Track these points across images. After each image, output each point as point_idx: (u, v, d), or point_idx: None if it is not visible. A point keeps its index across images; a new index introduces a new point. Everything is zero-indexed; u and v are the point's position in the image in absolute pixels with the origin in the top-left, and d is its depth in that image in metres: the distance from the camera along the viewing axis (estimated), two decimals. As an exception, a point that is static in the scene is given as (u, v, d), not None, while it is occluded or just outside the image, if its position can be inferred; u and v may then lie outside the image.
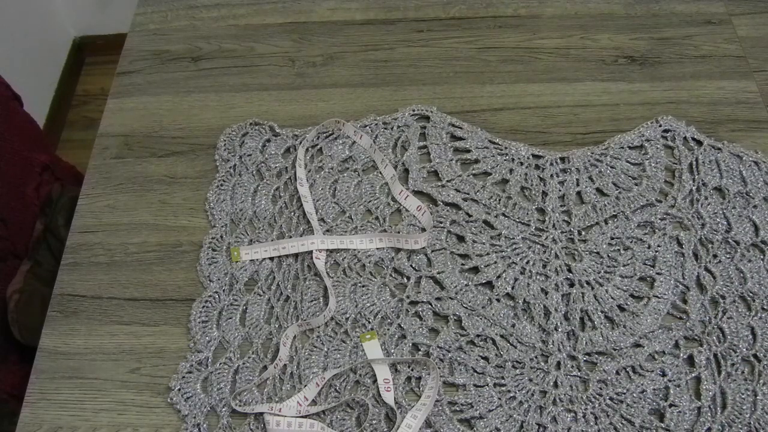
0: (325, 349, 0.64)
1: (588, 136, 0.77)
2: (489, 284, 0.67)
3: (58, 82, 1.71)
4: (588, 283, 0.67)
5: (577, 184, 0.73)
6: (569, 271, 0.68)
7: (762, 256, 0.68)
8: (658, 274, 0.67)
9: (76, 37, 1.81)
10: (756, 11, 0.88)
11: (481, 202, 0.72)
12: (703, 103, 0.80)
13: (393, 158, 0.76)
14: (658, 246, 0.69)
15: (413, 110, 0.79)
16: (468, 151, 0.76)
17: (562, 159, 0.75)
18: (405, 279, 0.68)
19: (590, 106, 0.80)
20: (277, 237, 0.71)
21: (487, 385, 0.62)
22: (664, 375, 0.62)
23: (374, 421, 0.60)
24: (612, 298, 0.66)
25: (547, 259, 0.68)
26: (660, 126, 0.77)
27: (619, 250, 0.69)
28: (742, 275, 0.67)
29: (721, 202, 0.71)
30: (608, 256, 0.68)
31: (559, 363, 0.63)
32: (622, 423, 0.60)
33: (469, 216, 0.71)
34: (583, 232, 0.70)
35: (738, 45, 0.85)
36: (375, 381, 0.62)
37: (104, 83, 1.74)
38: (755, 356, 0.62)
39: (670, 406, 0.60)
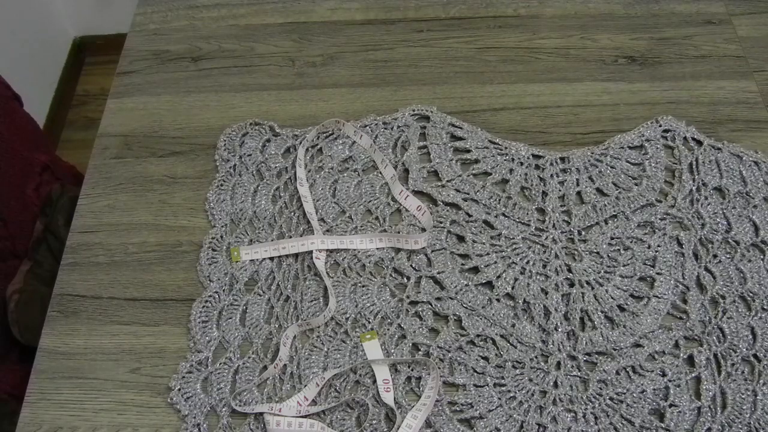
0: (325, 349, 0.64)
1: (588, 136, 0.77)
2: (489, 284, 0.67)
3: (58, 82, 1.71)
4: (588, 283, 0.67)
5: (577, 184, 0.73)
6: (569, 271, 0.68)
7: (762, 256, 0.68)
8: (658, 274, 0.67)
9: (76, 37, 1.81)
10: (756, 11, 0.88)
11: (481, 202, 0.72)
12: (703, 103, 0.80)
13: (393, 158, 0.76)
14: (658, 246, 0.69)
15: (413, 110, 0.79)
16: (468, 151, 0.76)
17: (562, 159, 0.75)
18: (405, 279, 0.68)
19: (590, 106, 0.80)
20: (277, 237, 0.71)
21: (487, 385, 0.62)
22: (664, 375, 0.62)
23: (374, 421, 0.60)
24: (612, 298, 0.66)
25: (547, 259, 0.68)
26: (660, 126, 0.77)
27: (619, 250, 0.69)
28: (742, 275, 0.67)
29: (721, 202, 0.71)
30: (608, 256, 0.68)
31: (559, 363, 0.63)
32: (622, 423, 0.60)
33: (469, 216, 0.71)
34: (583, 232, 0.70)
35: (738, 45, 0.85)
36: (375, 381, 0.62)
37: (104, 83, 1.74)
38: (755, 356, 0.62)
39: (670, 406, 0.60)
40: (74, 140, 1.69)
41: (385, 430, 0.60)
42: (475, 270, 0.68)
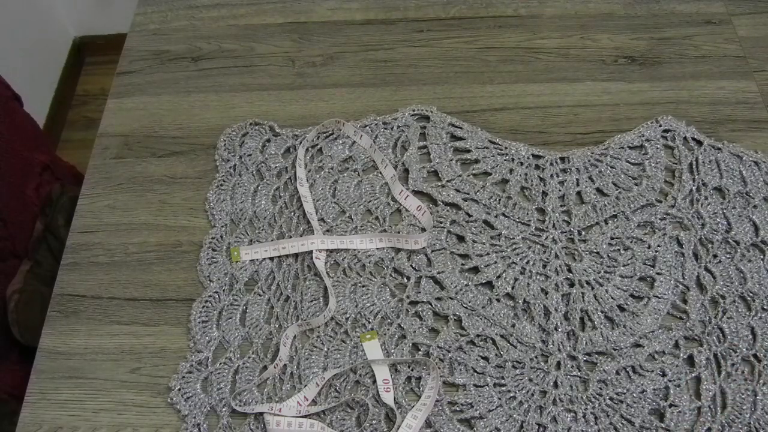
0: (325, 349, 0.64)
1: (588, 136, 0.78)
2: (489, 284, 0.67)
3: (58, 82, 1.71)
4: (588, 283, 0.67)
5: (577, 184, 0.73)
6: (569, 271, 0.68)
7: (762, 256, 0.68)
8: (658, 274, 0.67)
9: (76, 37, 1.81)
10: (756, 11, 0.88)
11: (481, 202, 0.72)
12: (703, 103, 0.80)
13: (393, 158, 0.76)
14: (658, 246, 0.69)
15: (413, 110, 0.79)
16: (468, 151, 0.76)
17: (562, 159, 0.75)
18: (405, 279, 0.68)
19: (590, 106, 0.80)
20: (277, 237, 0.71)
21: (487, 385, 0.62)
22: (664, 375, 0.62)
23: (374, 421, 0.60)
24: (612, 298, 0.66)
25: (547, 259, 0.68)
26: (660, 126, 0.77)
27: (619, 250, 0.69)
28: (742, 275, 0.67)
29: (721, 202, 0.71)
30: (608, 256, 0.68)
31: (559, 363, 0.63)
32: (622, 423, 0.60)
33: (469, 216, 0.71)
34: (583, 232, 0.70)
35: (738, 45, 0.85)
36: (375, 381, 0.62)
37: (104, 83, 1.74)
38: (755, 356, 0.62)
39: (670, 406, 0.60)
40: (74, 140, 1.69)
41: (385, 430, 0.60)
42: (475, 270, 0.68)
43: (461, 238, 0.70)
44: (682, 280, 0.67)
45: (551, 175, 0.74)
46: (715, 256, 0.68)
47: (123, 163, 0.78)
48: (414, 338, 0.64)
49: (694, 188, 0.72)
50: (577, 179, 0.73)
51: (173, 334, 0.66)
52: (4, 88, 0.94)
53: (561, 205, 0.72)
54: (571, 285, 0.67)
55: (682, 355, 0.63)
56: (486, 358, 0.63)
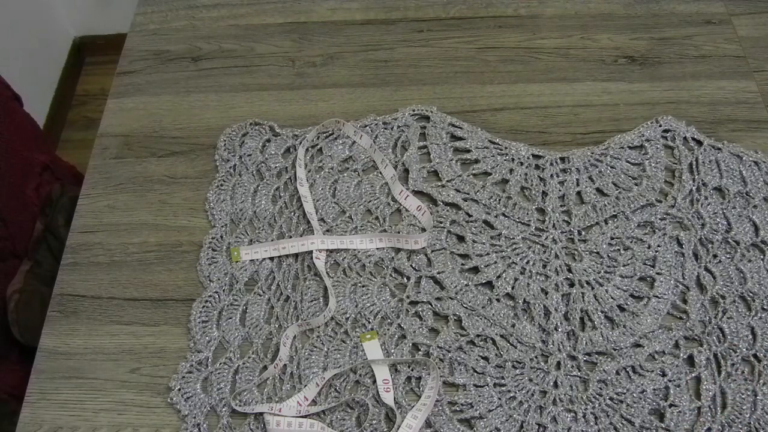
0: (325, 349, 0.64)
1: (588, 136, 0.78)
2: (489, 284, 0.67)
3: (58, 82, 1.71)
4: (588, 283, 0.67)
5: (577, 184, 0.73)
6: (569, 271, 0.68)
7: (762, 256, 0.68)
8: (658, 274, 0.67)
9: (76, 37, 1.81)
10: (756, 11, 0.88)
11: (481, 202, 0.72)
12: (703, 103, 0.80)
13: (393, 158, 0.76)
14: (658, 246, 0.69)
15: (413, 110, 0.79)
16: (468, 151, 0.76)
17: (562, 159, 0.75)
18: (405, 279, 0.68)
19: (590, 106, 0.80)
20: (277, 237, 0.71)
21: (487, 385, 0.62)
22: (664, 375, 0.62)
23: (374, 421, 0.60)
24: (612, 298, 0.66)
25: (547, 259, 0.68)
26: (660, 126, 0.77)
27: (619, 250, 0.69)
28: (742, 275, 0.67)
29: (721, 202, 0.71)
30: (608, 256, 0.68)
31: (559, 363, 0.63)
32: (622, 423, 0.60)
33: (469, 216, 0.71)
34: (583, 232, 0.70)
35: (738, 45, 0.85)
36: (375, 381, 0.62)
37: (104, 83, 1.74)
38: (755, 356, 0.62)
39: (670, 406, 0.60)
40: (74, 140, 1.69)
41: (385, 430, 0.60)
42: (475, 270, 0.68)
43: (461, 238, 0.70)
44: (682, 280, 0.67)
45: (551, 175, 0.74)
46: (715, 256, 0.68)
47: (123, 163, 0.78)
48: (414, 338, 0.64)
49: (694, 188, 0.72)
50: (577, 179, 0.73)
51: (173, 334, 0.66)
52: (4, 88, 0.94)
53: (561, 205, 0.72)
54: (571, 285, 0.67)
55: (682, 355, 0.63)
56: (486, 358, 0.63)
